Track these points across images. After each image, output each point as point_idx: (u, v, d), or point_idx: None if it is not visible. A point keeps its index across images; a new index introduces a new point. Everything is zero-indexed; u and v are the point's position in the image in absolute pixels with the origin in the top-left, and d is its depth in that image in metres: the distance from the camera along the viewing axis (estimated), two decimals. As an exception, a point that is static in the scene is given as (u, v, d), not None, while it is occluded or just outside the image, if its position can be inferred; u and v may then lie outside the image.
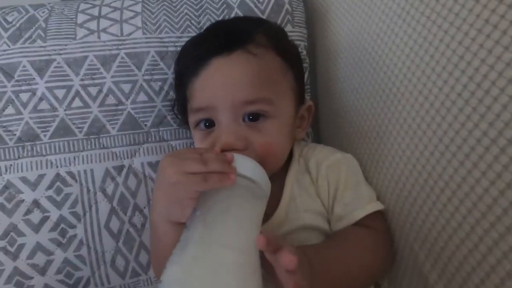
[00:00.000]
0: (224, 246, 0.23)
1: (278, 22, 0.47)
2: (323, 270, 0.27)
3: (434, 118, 0.29)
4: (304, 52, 0.48)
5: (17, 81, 0.40)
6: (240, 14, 0.46)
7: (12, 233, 0.37)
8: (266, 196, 0.28)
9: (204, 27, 0.45)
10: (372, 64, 0.38)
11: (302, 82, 0.40)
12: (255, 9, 0.46)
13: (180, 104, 0.38)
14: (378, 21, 0.36)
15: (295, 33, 0.47)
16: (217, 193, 0.26)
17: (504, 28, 0.23)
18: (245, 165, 0.27)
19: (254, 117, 0.32)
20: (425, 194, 0.30)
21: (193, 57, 0.35)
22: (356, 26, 0.41)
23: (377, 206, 0.33)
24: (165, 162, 0.27)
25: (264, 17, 0.46)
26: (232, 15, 0.46)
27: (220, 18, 0.46)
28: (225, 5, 0.46)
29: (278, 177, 0.34)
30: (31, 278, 0.37)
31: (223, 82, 0.32)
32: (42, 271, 0.37)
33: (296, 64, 0.38)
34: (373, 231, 0.32)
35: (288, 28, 0.47)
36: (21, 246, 0.37)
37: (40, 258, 0.37)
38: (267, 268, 0.24)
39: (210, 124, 0.34)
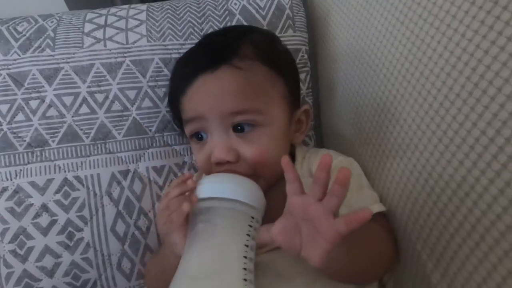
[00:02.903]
0: (189, 277, 0.25)
1: (279, 27, 0.47)
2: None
3: (433, 119, 0.29)
4: (306, 56, 0.49)
5: (27, 88, 0.41)
6: (242, 20, 0.47)
7: (21, 236, 0.38)
8: (254, 208, 0.28)
9: (207, 34, 0.46)
10: (372, 67, 0.38)
11: (297, 86, 0.40)
12: (257, 15, 0.47)
13: (177, 119, 0.39)
14: (378, 25, 0.37)
15: (296, 38, 0.48)
16: (189, 225, 0.28)
17: (500, 29, 0.23)
18: (217, 187, 0.28)
19: (244, 127, 0.33)
20: (426, 194, 0.30)
21: (181, 76, 0.36)
22: (356, 29, 0.42)
23: (380, 207, 0.34)
24: (158, 216, 0.32)
25: (265, 22, 0.47)
26: (234, 22, 0.47)
27: (222, 25, 0.47)
28: (227, 12, 0.47)
29: (281, 182, 0.34)
30: (40, 280, 0.38)
31: (209, 95, 0.33)
32: (50, 273, 0.38)
33: (287, 70, 0.38)
34: (379, 228, 0.32)
35: (289, 32, 0.48)
36: (30, 249, 0.38)
37: (48, 261, 0.38)
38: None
39: (202, 136, 0.35)
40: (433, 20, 0.29)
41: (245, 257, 0.26)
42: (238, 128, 0.33)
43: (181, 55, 0.44)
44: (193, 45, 0.44)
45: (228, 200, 0.28)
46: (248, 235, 0.27)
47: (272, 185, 0.33)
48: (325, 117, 0.52)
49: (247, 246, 0.26)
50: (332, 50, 0.48)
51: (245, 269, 0.25)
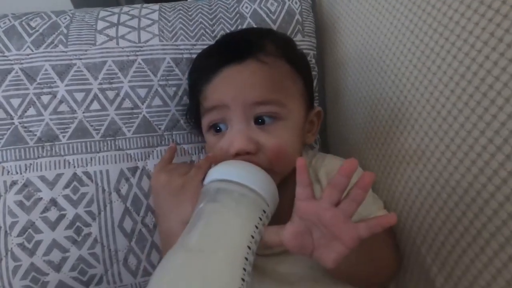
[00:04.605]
0: (187, 249, 0.24)
1: (289, 31, 0.48)
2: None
3: (441, 126, 0.30)
4: (313, 61, 0.50)
5: (39, 84, 0.42)
6: (253, 23, 0.48)
7: (30, 230, 0.38)
8: (266, 203, 0.28)
9: (218, 36, 0.47)
10: (380, 73, 0.39)
11: (311, 89, 0.41)
12: (267, 19, 0.48)
13: (194, 112, 0.39)
14: (387, 32, 0.38)
15: (305, 43, 0.49)
16: (200, 202, 0.28)
17: (509, 42, 0.24)
18: (235, 171, 0.28)
19: (265, 119, 0.33)
20: (432, 199, 0.31)
21: (205, 67, 0.36)
22: (364, 36, 0.43)
23: (385, 213, 0.34)
24: (160, 176, 0.34)
25: (275, 26, 0.48)
26: (245, 25, 0.48)
27: (233, 27, 0.47)
28: (238, 15, 0.48)
29: (288, 182, 0.35)
30: (47, 274, 0.38)
31: (235, 85, 0.33)
32: (57, 267, 0.38)
33: (305, 71, 0.40)
34: (383, 235, 0.33)
35: (298, 37, 0.49)
36: (38, 243, 0.38)
37: (55, 255, 0.38)
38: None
39: (220, 128, 0.35)
40: (443, 30, 0.30)
41: (248, 247, 0.25)
42: (259, 121, 0.33)
43: (193, 55, 0.45)
44: (205, 46, 0.44)
45: (244, 187, 0.27)
46: (256, 227, 0.26)
47: (281, 183, 0.34)
48: (331, 122, 0.53)
49: (252, 237, 0.25)
50: (340, 55, 0.49)
51: (246, 258, 0.24)
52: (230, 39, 0.40)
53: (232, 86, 0.33)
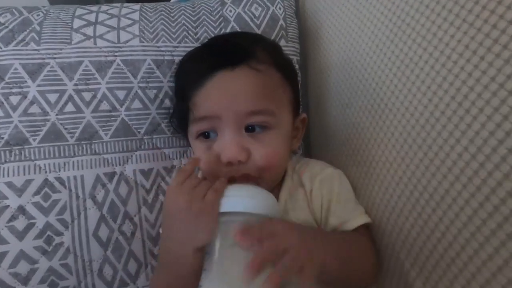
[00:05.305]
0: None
1: (273, 36, 0.48)
2: (327, 249, 0.28)
3: (419, 134, 0.31)
4: (297, 66, 0.50)
5: (7, 83, 0.39)
6: (237, 27, 0.47)
7: (-6, 241, 0.36)
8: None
9: (201, 38, 0.46)
10: (362, 81, 0.40)
11: (298, 95, 0.41)
12: (251, 23, 0.48)
13: (181, 116, 0.38)
14: (368, 41, 0.39)
15: (289, 48, 0.49)
16: (219, 238, 0.27)
17: (482, 54, 0.25)
18: (254, 203, 0.28)
19: (256, 128, 0.33)
20: (410, 205, 0.31)
21: (196, 70, 0.35)
22: (346, 44, 0.43)
23: (366, 218, 0.35)
24: (179, 198, 0.29)
25: (259, 31, 0.48)
26: (229, 28, 0.47)
27: (217, 30, 0.47)
28: (222, 18, 0.48)
29: (273, 192, 0.35)
30: (13, 288, 0.36)
31: (228, 93, 0.33)
32: (25, 280, 0.36)
33: (293, 78, 0.40)
34: (364, 239, 0.33)
35: (282, 42, 0.49)
36: (3, 254, 0.36)
37: (23, 267, 0.36)
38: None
39: (209, 134, 0.35)
40: (421, 41, 0.31)
41: None
42: (249, 128, 0.33)
43: (174, 57, 0.44)
44: (187, 48, 0.44)
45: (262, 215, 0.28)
46: None
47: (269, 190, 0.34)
48: (313, 127, 0.53)
49: None
50: (323, 61, 0.49)
51: None
52: (221, 43, 0.39)
53: (225, 95, 0.33)
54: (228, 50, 0.35)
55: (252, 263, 0.23)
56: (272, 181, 0.34)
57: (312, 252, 0.27)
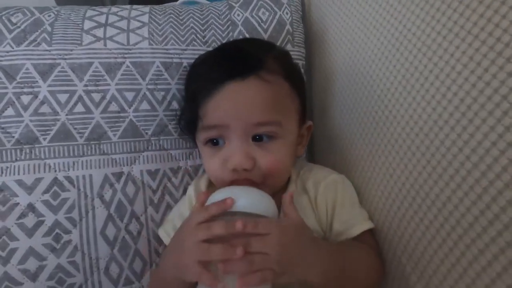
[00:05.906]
0: None
1: (279, 41, 0.49)
2: (328, 260, 0.29)
3: (423, 142, 0.31)
4: (302, 71, 0.51)
5: (19, 83, 0.40)
6: (244, 31, 0.48)
7: (4, 237, 0.36)
8: None
9: (209, 41, 0.46)
10: (367, 87, 0.40)
11: (305, 104, 0.42)
12: (258, 28, 0.49)
13: (191, 120, 0.39)
14: (374, 48, 0.39)
15: (295, 53, 0.50)
16: None
17: (486, 66, 0.26)
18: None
19: (263, 138, 0.34)
20: (413, 211, 0.32)
21: (207, 78, 0.36)
22: (352, 50, 0.44)
23: (370, 224, 0.36)
24: (201, 246, 0.27)
25: (266, 35, 0.49)
26: (236, 32, 0.48)
27: (225, 34, 0.47)
28: (229, 22, 0.48)
29: (276, 199, 0.36)
30: (21, 284, 0.36)
31: (237, 104, 0.33)
32: (33, 276, 0.37)
33: (301, 87, 0.41)
34: (368, 246, 0.34)
35: (288, 47, 0.49)
36: (13, 251, 0.36)
37: (32, 263, 0.37)
38: None
39: (218, 141, 0.36)
40: (426, 51, 0.32)
41: None
42: (256, 138, 0.34)
43: (183, 60, 0.44)
44: (195, 51, 0.44)
45: None
46: None
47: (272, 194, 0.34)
48: (317, 131, 0.54)
49: None
50: (328, 67, 0.50)
51: None
52: (233, 51, 0.40)
53: (234, 106, 0.33)
54: (240, 59, 0.36)
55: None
56: (275, 187, 0.35)
57: (294, 263, 0.27)
